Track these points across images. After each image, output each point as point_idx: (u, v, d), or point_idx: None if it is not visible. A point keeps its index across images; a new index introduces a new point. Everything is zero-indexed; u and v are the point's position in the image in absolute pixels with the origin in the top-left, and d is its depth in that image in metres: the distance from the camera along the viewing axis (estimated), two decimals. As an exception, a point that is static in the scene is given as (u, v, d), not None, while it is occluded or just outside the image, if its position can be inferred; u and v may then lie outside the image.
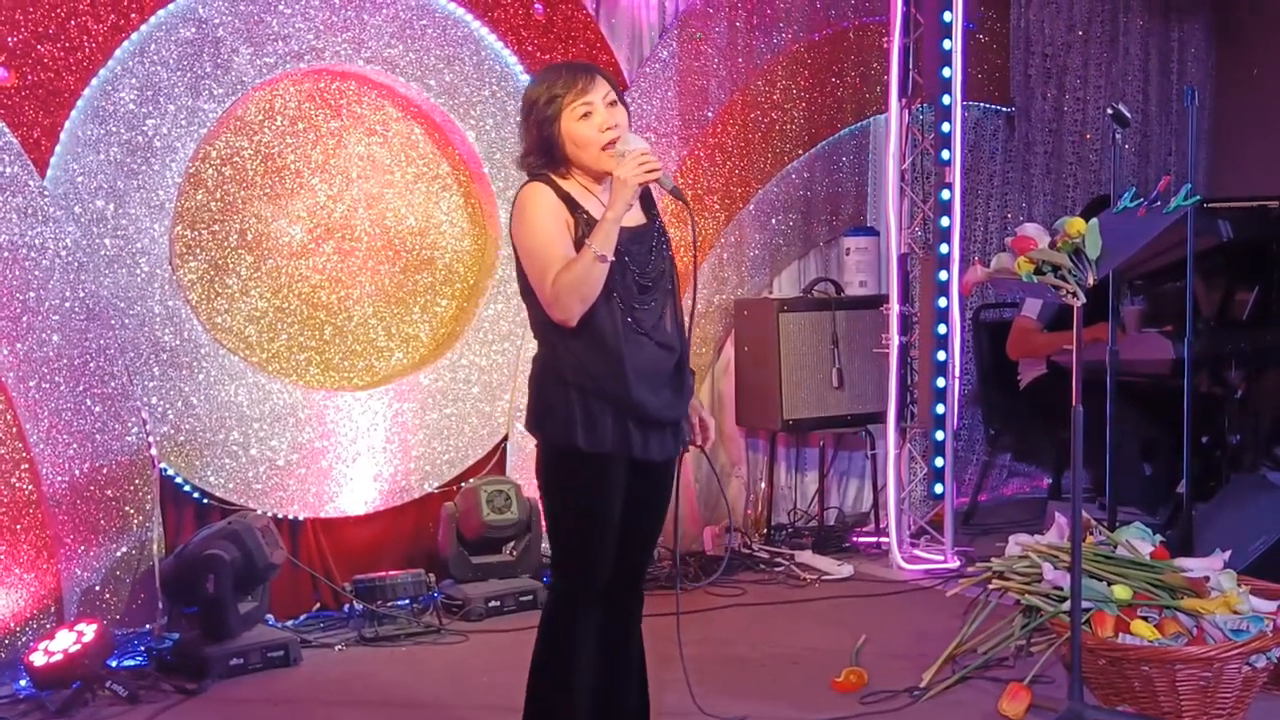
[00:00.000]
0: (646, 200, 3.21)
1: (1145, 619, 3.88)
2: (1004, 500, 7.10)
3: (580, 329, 3.03)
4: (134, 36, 4.53)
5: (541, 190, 3.07)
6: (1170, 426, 5.76)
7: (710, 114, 5.98)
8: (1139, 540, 4.18)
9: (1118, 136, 4.29)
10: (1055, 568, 4.07)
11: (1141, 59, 7.65)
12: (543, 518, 3.27)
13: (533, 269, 3.04)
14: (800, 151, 6.33)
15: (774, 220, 6.30)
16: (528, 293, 3.12)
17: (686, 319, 3.24)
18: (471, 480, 5.30)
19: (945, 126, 5.67)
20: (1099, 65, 7.45)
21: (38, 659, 4.16)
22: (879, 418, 6.00)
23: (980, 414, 6.90)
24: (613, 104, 3.09)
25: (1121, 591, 3.95)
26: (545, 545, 5.38)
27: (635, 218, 3.14)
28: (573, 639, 3.15)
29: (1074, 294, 3.58)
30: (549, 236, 3.02)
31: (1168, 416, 5.70)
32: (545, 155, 3.11)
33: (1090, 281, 3.58)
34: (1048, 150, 7.34)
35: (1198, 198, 3.65)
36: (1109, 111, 4.30)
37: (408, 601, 4.93)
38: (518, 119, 5.26)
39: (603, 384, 3.04)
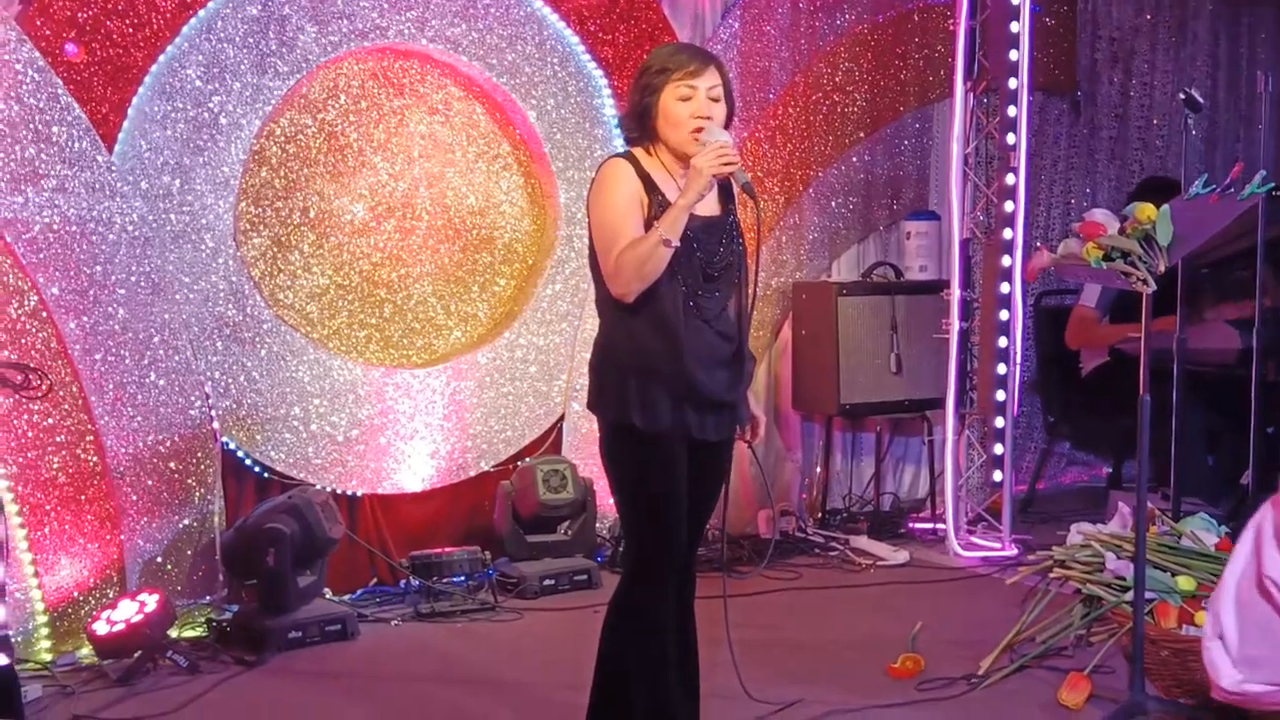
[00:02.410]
0: (725, 193, 3.25)
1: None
2: (1062, 489, 7.02)
3: (642, 309, 3.07)
4: (201, 13, 4.57)
5: (622, 166, 3.12)
6: (1234, 416, 5.67)
7: (772, 96, 5.95)
8: (1203, 531, 4.13)
9: (1189, 122, 4.21)
10: (1118, 557, 4.03)
11: (1210, 44, 7.51)
12: (610, 495, 3.27)
13: (600, 240, 3.09)
14: (862, 135, 6.28)
15: (833, 203, 6.26)
16: (596, 267, 3.15)
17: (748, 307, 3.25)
18: (528, 459, 5.32)
19: (1011, 110, 5.60)
20: (1166, 50, 7.33)
21: (100, 628, 4.22)
22: (937, 404, 5.96)
23: (1039, 401, 6.82)
24: (716, 99, 3.13)
25: (1185, 582, 3.90)
26: (600, 525, 5.42)
27: (710, 208, 3.18)
28: (645, 614, 3.17)
29: (1144, 281, 3.53)
30: (621, 212, 3.07)
31: (1231, 406, 5.61)
32: (638, 124, 3.16)
33: (1161, 269, 3.52)
34: (1113, 136, 7.23)
35: (1272, 184, 3.57)
36: (1181, 96, 4.23)
37: (463, 578, 4.95)
38: (582, 99, 5.34)
39: (659, 363, 3.07)
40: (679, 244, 3.01)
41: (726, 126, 3.16)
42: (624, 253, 3.01)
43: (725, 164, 3.01)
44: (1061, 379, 6.44)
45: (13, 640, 3.84)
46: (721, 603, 3.44)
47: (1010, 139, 5.64)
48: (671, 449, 3.12)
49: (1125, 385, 5.73)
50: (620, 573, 5.06)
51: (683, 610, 3.30)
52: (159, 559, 4.55)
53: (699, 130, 3.08)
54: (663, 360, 3.07)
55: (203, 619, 4.60)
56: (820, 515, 6.17)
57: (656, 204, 3.09)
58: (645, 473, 3.14)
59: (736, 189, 3.25)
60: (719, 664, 3.61)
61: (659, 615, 3.19)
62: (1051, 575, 4.15)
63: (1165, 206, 3.65)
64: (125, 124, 4.45)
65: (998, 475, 5.79)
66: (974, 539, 5.81)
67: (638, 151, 3.18)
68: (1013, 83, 5.60)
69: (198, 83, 4.58)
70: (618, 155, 3.21)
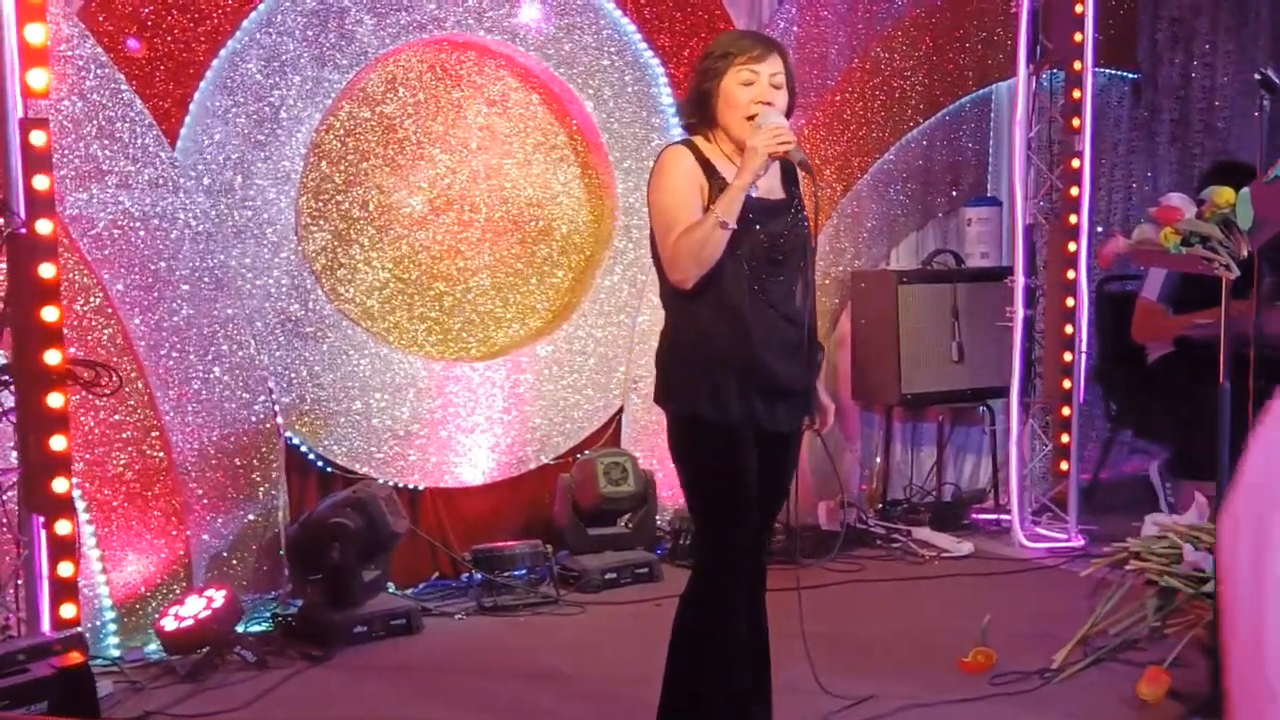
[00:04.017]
0: (789, 176, 3.21)
1: (1292, 603, 3.74)
2: (1124, 478, 6.91)
3: (706, 295, 3.05)
4: (260, 7, 4.56)
5: (681, 153, 3.10)
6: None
7: (830, 83, 5.88)
8: (1283, 521, 4.03)
9: (1265, 103, 4.11)
10: (1196, 549, 3.95)
11: (1271, 23, 7.36)
12: (680, 488, 3.24)
13: (659, 228, 3.08)
14: (920, 120, 6.20)
15: (892, 190, 6.18)
16: (658, 257, 3.13)
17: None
18: (587, 452, 5.29)
19: (1075, 93, 5.51)
20: (1228, 30, 7.19)
21: (168, 624, 4.23)
22: (999, 393, 5.88)
23: (1100, 389, 6.72)
24: (778, 86, 3.10)
25: (1267, 574, 3.82)
26: (660, 518, 5.38)
27: (773, 191, 3.16)
28: (717, 607, 3.14)
29: (1226, 266, 3.45)
30: (680, 198, 3.05)
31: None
32: (698, 109, 3.14)
33: (1244, 253, 3.44)
34: (1174, 118, 7.11)
35: (1355, 167, 3.48)
36: (1257, 77, 4.11)
37: (525, 572, 4.93)
38: (639, 88, 5.30)
39: (727, 350, 3.05)
40: (736, 226, 2.98)
41: (788, 115, 3.13)
42: (681, 238, 2.99)
43: (781, 143, 2.98)
44: (1125, 367, 6.33)
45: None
46: (787, 595, 3.40)
47: (1075, 122, 5.54)
48: (741, 441, 3.10)
49: (1191, 374, 5.66)
50: (685, 565, 5.15)
51: (754, 603, 3.28)
52: (224, 554, 4.56)
53: (753, 116, 3.05)
54: (729, 346, 3.05)
55: (268, 614, 4.60)
56: (881, 506, 6.11)
57: (717, 189, 3.06)
58: (715, 465, 3.11)
59: (799, 172, 3.21)
60: (788, 657, 3.56)
61: (731, 608, 3.16)
62: (1129, 567, 4.08)
63: (1244, 190, 3.56)
64: (187, 119, 4.45)
65: (1064, 465, 5.71)
66: (1039, 529, 5.74)
67: (697, 139, 3.16)
68: (1077, 65, 5.51)
69: (258, 77, 4.57)
70: (677, 143, 3.18)
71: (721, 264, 3.01)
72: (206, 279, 4.50)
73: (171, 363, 4.44)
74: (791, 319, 3.12)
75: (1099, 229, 6.47)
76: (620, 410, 5.46)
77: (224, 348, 4.55)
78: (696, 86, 3.14)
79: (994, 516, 6.00)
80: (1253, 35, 7.28)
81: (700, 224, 2.98)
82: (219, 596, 4.27)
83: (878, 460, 6.20)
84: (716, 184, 3.06)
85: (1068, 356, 5.62)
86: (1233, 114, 7.23)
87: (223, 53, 4.50)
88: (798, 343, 3.12)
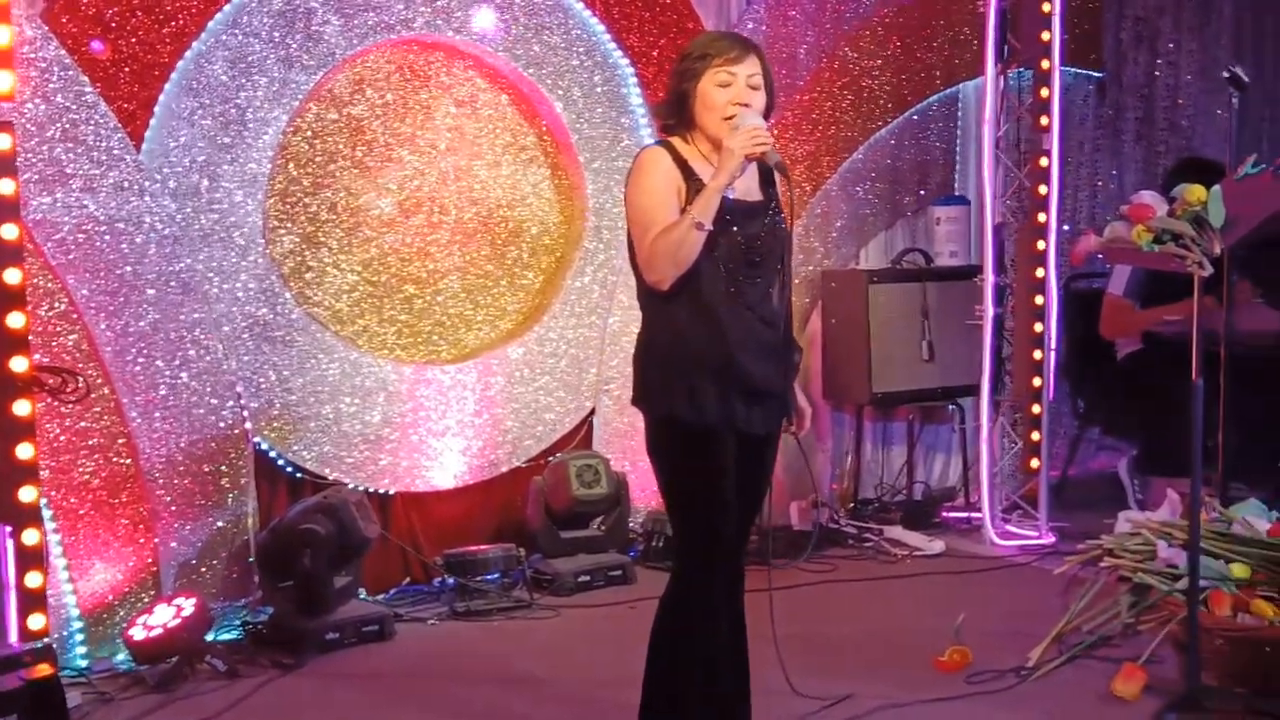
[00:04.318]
0: (765, 178, 3.21)
1: (1265, 598, 3.76)
2: (1093, 475, 6.95)
3: (683, 296, 3.04)
4: (226, 9, 4.51)
5: (659, 153, 3.10)
6: (1264, 399, 5.60)
7: (799, 82, 5.88)
8: (1255, 517, 4.07)
9: (1233, 101, 4.14)
10: (1170, 545, 3.97)
11: (1234, 21, 7.43)
12: (658, 490, 3.22)
13: (636, 228, 3.08)
14: (888, 119, 6.21)
15: (860, 190, 6.19)
16: (635, 259, 3.12)
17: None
18: (560, 454, 5.26)
19: (1043, 92, 5.53)
20: (1191, 30, 7.25)
21: (137, 633, 4.18)
22: (969, 391, 5.90)
23: (1068, 387, 6.75)
24: (755, 87, 3.09)
25: (1239, 570, 3.84)
26: (633, 520, 5.37)
27: (750, 193, 3.15)
28: (696, 610, 3.12)
29: (1199, 264, 3.46)
30: (657, 199, 3.04)
31: (1261, 388, 5.54)
32: (676, 110, 3.13)
33: (1216, 251, 3.46)
34: (1139, 116, 7.16)
35: (1330, 162, 3.51)
36: (1225, 75, 4.16)
37: (497, 576, 4.90)
38: (609, 88, 5.28)
39: (704, 351, 3.04)
40: (713, 227, 2.97)
41: (766, 116, 3.11)
42: (658, 238, 2.98)
43: (758, 144, 2.98)
44: (1093, 364, 6.36)
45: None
46: (759, 596, 3.38)
47: (1043, 121, 5.56)
48: (719, 442, 3.08)
49: (1161, 370, 5.69)
50: (658, 568, 5.13)
51: (733, 606, 3.26)
52: (193, 562, 4.50)
53: (731, 116, 3.04)
54: (706, 347, 3.04)
55: (238, 622, 4.55)
56: (852, 506, 6.11)
57: (694, 190, 3.05)
58: (692, 467, 3.10)
59: (775, 174, 3.21)
60: (761, 658, 3.54)
61: (710, 609, 3.15)
62: (1103, 564, 4.09)
63: (1216, 187, 3.59)
64: (152, 121, 4.40)
65: (1034, 462, 5.73)
66: (1010, 527, 5.76)
67: (675, 140, 3.15)
68: (1045, 64, 5.53)
69: (224, 79, 4.52)
70: (654, 144, 3.18)
71: (698, 265, 3.00)
72: (173, 283, 4.45)
73: (138, 368, 4.38)
74: (768, 320, 3.11)
75: (1065, 227, 6.50)
76: (592, 412, 5.44)
77: (191, 353, 4.49)
78: (674, 88, 3.13)
79: (965, 514, 6.02)
80: (1215, 34, 7.35)
81: (677, 225, 2.98)
82: (188, 605, 4.21)
83: (849, 459, 6.20)
84: (694, 185, 3.05)
85: (1037, 354, 5.64)
86: (1196, 112, 7.30)
87: (188, 54, 4.44)
88: (774, 344, 3.12)
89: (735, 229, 3.05)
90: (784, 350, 3.15)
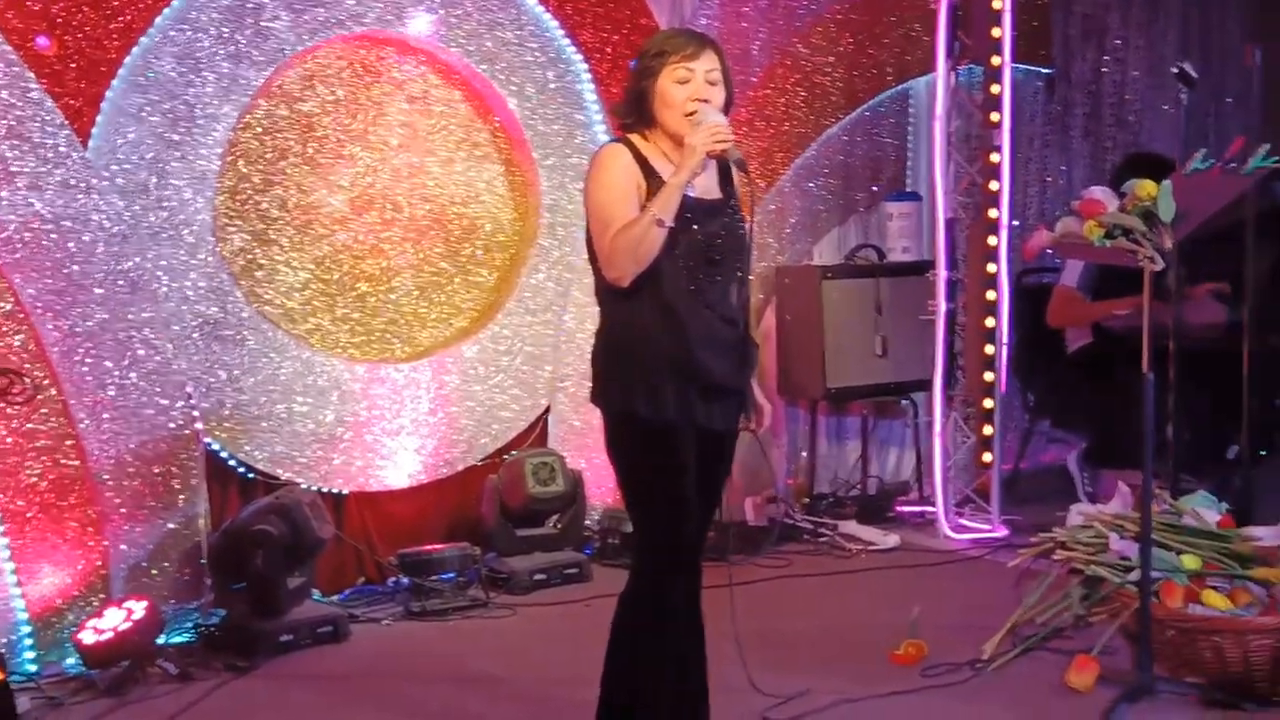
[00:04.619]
0: (725, 177, 3.21)
1: (1215, 589, 3.81)
2: (1043, 468, 7.01)
3: (644, 294, 3.03)
4: (174, 3, 4.45)
5: (619, 150, 3.10)
6: (1212, 392, 5.67)
7: (752, 78, 5.88)
8: (1205, 509, 4.12)
9: (1183, 97, 4.19)
10: (1122, 537, 4.01)
11: (1181, 18, 7.52)
12: (618, 488, 3.22)
13: (595, 225, 3.06)
14: (840, 116, 6.23)
15: (813, 186, 6.21)
16: (594, 255, 3.11)
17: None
18: (515, 452, 5.24)
19: (994, 88, 5.57)
20: (1139, 26, 7.33)
21: (87, 637, 4.11)
22: (922, 386, 5.93)
23: (1019, 381, 6.80)
24: (714, 82, 3.09)
25: (1190, 561, 3.89)
26: (589, 518, 5.36)
27: (710, 191, 3.16)
28: (655, 607, 3.12)
29: (1150, 258, 3.49)
30: (617, 195, 3.04)
31: (1210, 381, 5.62)
32: (635, 109, 3.13)
33: (1167, 245, 3.50)
34: (1087, 112, 7.23)
35: (1276, 159, 3.55)
36: (1174, 71, 4.20)
37: (452, 575, 4.87)
38: (562, 84, 5.26)
39: (664, 348, 3.04)
40: (673, 224, 2.97)
41: (726, 111, 3.12)
42: (618, 235, 2.97)
43: (719, 141, 2.98)
44: (1044, 358, 6.42)
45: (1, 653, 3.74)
46: (714, 593, 3.36)
47: (994, 117, 5.60)
48: (678, 439, 3.08)
49: (1110, 364, 5.75)
50: (614, 565, 5.13)
51: (690, 603, 3.26)
52: (144, 564, 4.44)
53: (692, 113, 3.04)
54: (666, 344, 3.04)
55: (190, 625, 4.50)
56: (807, 501, 6.13)
57: (654, 188, 3.04)
58: (652, 464, 3.10)
59: (735, 172, 3.22)
60: (721, 656, 3.54)
61: (669, 608, 3.15)
62: (1055, 557, 4.12)
63: (1166, 182, 3.62)
64: (99, 118, 4.33)
65: (987, 456, 5.77)
66: (963, 521, 5.80)
67: (634, 137, 3.15)
68: (995, 60, 5.57)
69: (173, 74, 4.46)
70: (614, 140, 3.17)
71: (659, 263, 2.99)
72: (121, 282, 4.39)
73: (86, 369, 4.32)
74: (728, 318, 3.12)
75: (1015, 223, 6.55)
76: (547, 410, 5.42)
77: (140, 352, 4.43)
78: (632, 86, 3.13)
79: (918, 509, 6.05)
80: (1162, 31, 7.43)
81: (637, 221, 2.97)
82: (139, 608, 4.16)
83: (803, 455, 6.22)
84: (654, 183, 3.05)
85: (989, 349, 5.68)
86: (1143, 108, 7.37)
87: (136, 50, 4.38)
88: (734, 342, 3.12)
89: (695, 227, 3.05)
90: (743, 347, 3.16)
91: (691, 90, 3.06)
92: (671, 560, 3.12)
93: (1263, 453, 5.73)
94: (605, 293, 3.13)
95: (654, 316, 3.04)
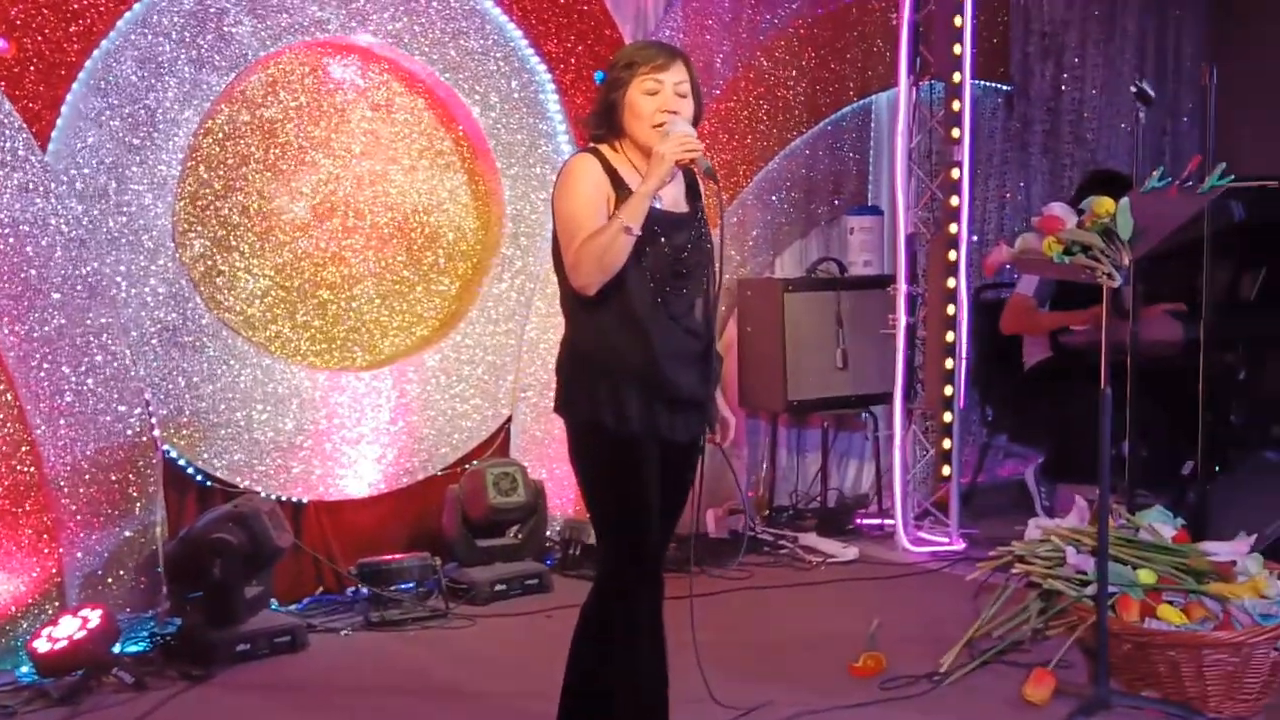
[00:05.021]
0: (692, 191, 3.23)
1: (1171, 603, 3.85)
2: (1000, 482, 7.05)
3: (610, 305, 3.03)
4: (136, 7, 4.42)
5: (588, 160, 3.09)
6: (1168, 408, 5.74)
7: (716, 90, 5.90)
8: (1160, 523, 4.16)
9: (1140, 115, 4.24)
10: (1078, 551, 4.04)
11: (1138, 36, 7.61)
12: (581, 499, 3.21)
13: (563, 234, 3.06)
14: (803, 129, 6.26)
15: (776, 199, 6.23)
16: (561, 265, 3.10)
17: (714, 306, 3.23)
18: (476, 462, 5.23)
19: (955, 104, 5.61)
20: (1096, 44, 7.41)
21: (41, 645, 4.07)
22: (882, 399, 5.96)
23: (978, 395, 6.85)
24: (683, 94, 3.10)
25: (1146, 576, 3.93)
26: (550, 529, 5.35)
27: (678, 204, 3.16)
28: (618, 619, 3.12)
29: (1109, 275, 3.53)
30: (584, 204, 3.03)
31: (1166, 398, 5.68)
32: (605, 119, 3.13)
33: (1125, 262, 3.53)
34: (1045, 129, 7.30)
35: (1232, 177, 3.60)
36: (1132, 90, 4.25)
37: (412, 585, 4.84)
38: (526, 94, 5.26)
39: (629, 359, 3.04)
40: (641, 234, 2.97)
41: (695, 123, 3.13)
42: (585, 243, 2.97)
43: (688, 151, 2.99)
44: (1001, 373, 6.47)
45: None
46: (677, 604, 3.36)
47: (955, 133, 5.65)
48: (642, 450, 3.08)
49: (1068, 379, 5.80)
50: (575, 576, 5.12)
51: (652, 615, 3.25)
52: (99, 572, 4.40)
53: (661, 124, 3.05)
54: (631, 356, 3.03)
55: (145, 633, 4.45)
56: (767, 513, 6.15)
57: (623, 199, 3.04)
58: (616, 475, 3.09)
59: (702, 186, 3.24)
60: (681, 667, 3.54)
61: (632, 620, 3.14)
62: (1014, 571, 4.15)
63: (1124, 200, 3.66)
64: (59, 122, 4.29)
65: (946, 470, 5.80)
66: (922, 534, 5.83)
67: (604, 148, 3.15)
68: (956, 76, 5.61)
69: (134, 79, 4.43)
70: (584, 150, 3.17)
71: (625, 275, 2.99)
72: (79, 287, 4.34)
73: (43, 374, 4.27)
74: (694, 332, 3.12)
75: (974, 238, 6.60)
76: (509, 420, 5.40)
77: (98, 358, 4.39)
78: (602, 98, 3.13)
79: (877, 521, 6.08)
80: (1119, 49, 7.52)
81: (605, 229, 2.97)
82: (95, 616, 4.12)
83: (764, 467, 6.24)
84: (623, 194, 3.05)
85: (949, 363, 5.71)
86: (1100, 125, 7.46)
87: (96, 53, 4.34)
88: (699, 355, 3.13)
89: (663, 240, 3.06)
90: (708, 360, 3.16)
91: (660, 102, 3.06)
92: (635, 571, 3.12)
93: (1217, 469, 5.80)
94: (571, 303, 3.12)
95: (619, 328, 3.04)
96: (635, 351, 3.04)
